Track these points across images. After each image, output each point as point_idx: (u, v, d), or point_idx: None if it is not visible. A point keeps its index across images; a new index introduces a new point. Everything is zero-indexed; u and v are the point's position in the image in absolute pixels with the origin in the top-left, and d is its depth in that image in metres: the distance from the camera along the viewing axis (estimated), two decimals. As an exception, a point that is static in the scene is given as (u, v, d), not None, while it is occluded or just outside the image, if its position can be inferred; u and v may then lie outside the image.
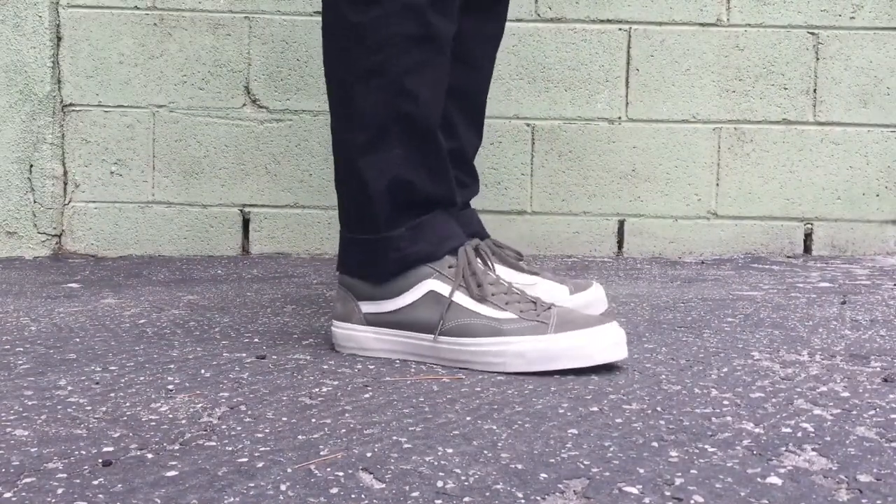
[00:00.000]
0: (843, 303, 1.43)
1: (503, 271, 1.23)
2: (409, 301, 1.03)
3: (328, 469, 0.69)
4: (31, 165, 1.95)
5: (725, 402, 0.87)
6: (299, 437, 0.76)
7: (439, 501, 0.63)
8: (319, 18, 1.97)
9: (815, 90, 1.99)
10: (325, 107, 1.98)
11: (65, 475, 0.67)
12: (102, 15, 1.97)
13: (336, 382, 0.94)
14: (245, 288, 1.58)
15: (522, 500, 0.63)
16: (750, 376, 0.97)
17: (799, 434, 0.77)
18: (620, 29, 1.98)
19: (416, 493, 0.64)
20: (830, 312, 1.35)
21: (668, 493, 0.64)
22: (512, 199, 1.98)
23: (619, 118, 1.99)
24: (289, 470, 0.68)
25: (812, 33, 1.98)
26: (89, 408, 0.85)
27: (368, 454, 0.72)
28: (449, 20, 1.04)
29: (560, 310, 1.00)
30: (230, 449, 0.73)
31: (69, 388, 0.92)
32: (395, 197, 1.04)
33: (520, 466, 0.69)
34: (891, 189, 2.01)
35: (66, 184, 1.99)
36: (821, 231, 2.01)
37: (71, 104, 1.98)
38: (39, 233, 1.96)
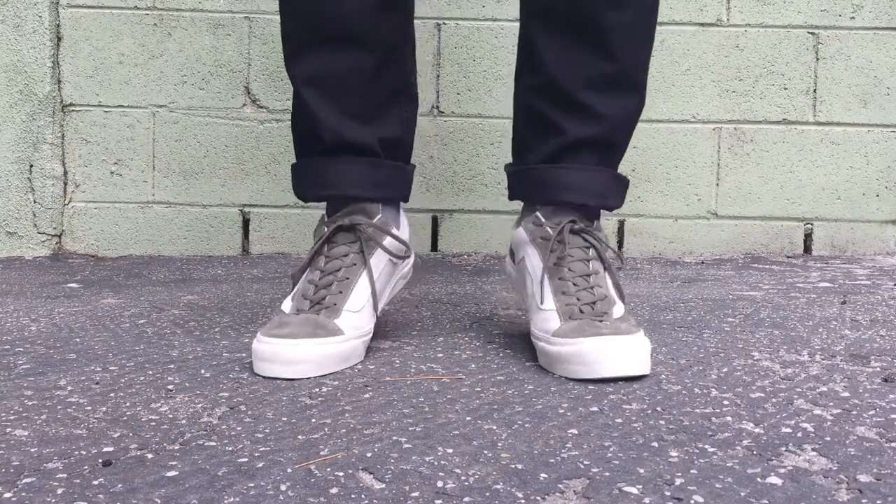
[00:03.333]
0: (843, 303, 1.43)
1: None
2: None
3: (328, 469, 0.69)
4: (31, 165, 1.95)
5: (725, 402, 0.87)
6: (299, 437, 0.76)
7: (439, 501, 0.63)
8: (319, 18, 1.98)
9: (815, 90, 1.99)
10: (325, 107, 1.98)
11: (65, 475, 0.67)
12: (102, 15, 1.97)
13: (336, 382, 0.94)
14: (245, 288, 1.58)
15: (522, 500, 0.63)
16: (750, 376, 0.97)
17: (799, 434, 0.77)
18: (620, 29, 1.98)
19: (416, 493, 0.64)
20: (830, 312, 1.35)
21: (668, 493, 0.64)
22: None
23: (619, 118, 1.99)
24: (289, 470, 0.68)
25: (812, 33, 1.98)
26: (89, 408, 0.85)
27: (368, 454, 0.72)
28: None
29: None
30: (230, 449, 0.73)
31: (69, 388, 0.92)
32: None
33: (520, 466, 0.69)
34: (891, 189, 2.01)
35: (66, 184, 1.99)
36: (821, 231, 2.02)
37: (71, 104, 1.98)
38: (39, 233, 1.96)
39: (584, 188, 1.08)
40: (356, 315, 1.04)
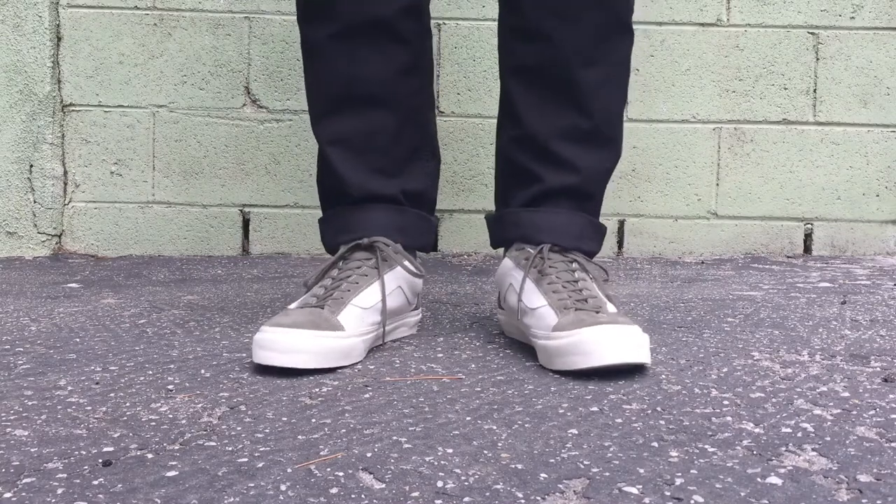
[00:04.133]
0: (843, 303, 1.43)
1: None
2: None
3: (328, 469, 0.69)
4: (31, 165, 1.95)
5: (725, 402, 0.87)
6: (299, 437, 0.76)
7: (439, 501, 0.63)
8: (319, 18, 1.98)
9: (815, 90, 1.99)
10: (325, 107, 1.98)
11: (65, 475, 0.67)
12: (102, 15, 1.97)
13: (336, 382, 0.94)
14: (245, 288, 1.58)
15: (522, 500, 0.63)
16: (750, 376, 0.97)
17: (799, 434, 0.77)
18: (620, 29, 1.98)
19: (416, 493, 0.64)
20: (830, 312, 1.35)
21: (668, 493, 0.64)
22: (512, 199, 1.98)
23: (619, 118, 1.99)
24: (289, 470, 0.68)
25: (812, 33, 1.98)
26: (89, 408, 0.85)
27: (368, 454, 0.72)
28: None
29: None
30: (230, 449, 0.73)
31: (69, 388, 0.92)
32: None
33: (520, 466, 0.69)
34: (891, 189, 2.01)
35: (66, 184, 1.99)
36: (821, 231, 2.01)
37: (71, 104, 1.98)
38: (39, 233, 1.96)
39: (559, 229, 1.11)
40: (362, 312, 1.04)
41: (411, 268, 1.13)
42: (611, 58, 1.13)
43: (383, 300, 1.07)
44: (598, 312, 0.99)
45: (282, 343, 0.95)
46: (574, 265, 1.09)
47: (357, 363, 1.02)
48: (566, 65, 1.10)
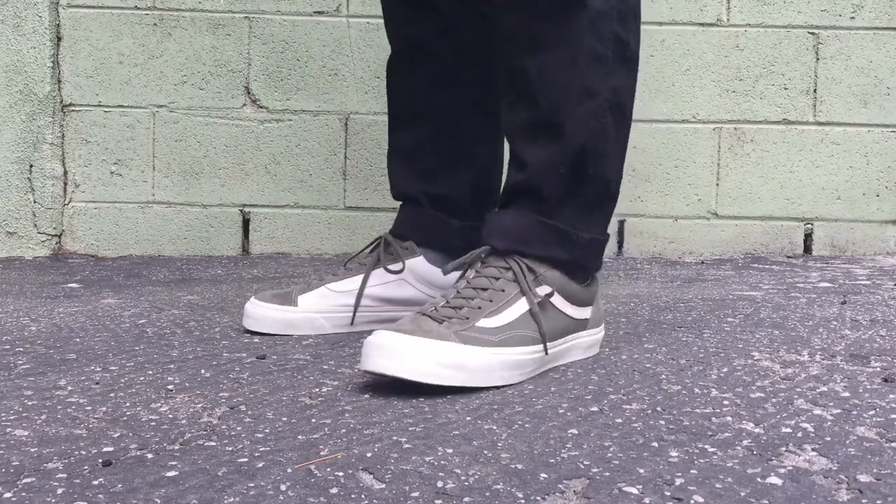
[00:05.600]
0: (843, 303, 1.43)
1: None
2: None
3: (328, 469, 0.69)
4: (31, 165, 1.95)
5: (725, 402, 0.87)
6: (299, 437, 0.76)
7: (439, 501, 0.63)
8: (320, 18, 1.98)
9: (815, 90, 1.99)
10: (324, 106, 1.99)
11: (65, 475, 0.67)
12: (102, 15, 1.97)
13: (336, 382, 0.94)
14: (245, 288, 1.58)
15: (522, 500, 0.63)
16: (750, 376, 0.97)
17: (799, 434, 0.77)
18: (620, 29, 1.98)
19: (416, 493, 0.64)
20: (830, 312, 1.35)
21: (668, 493, 0.64)
22: (512, 199, 1.98)
23: (619, 118, 1.99)
24: (289, 470, 0.68)
25: (812, 33, 1.98)
26: (89, 408, 0.85)
27: (368, 454, 0.72)
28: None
29: None
30: (230, 449, 0.73)
31: (69, 388, 0.92)
32: None
33: (520, 466, 0.69)
34: (891, 189, 2.01)
35: (66, 184, 1.99)
36: (821, 231, 2.01)
37: (71, 104, 1.98)
38: (39, 233, 1.96)
39: (497, 232, 1.02)
40: (329, 293, 1.21)
41: (393, 267, 1.22)
42: (560, 38, 1.02)
43: (360, 287, 1.21)
44: (441, 322, 0.92)
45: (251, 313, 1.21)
46: (509, 274, 0.99)
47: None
48: (511, 52, 1.05)
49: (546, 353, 0.98)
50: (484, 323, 0.94)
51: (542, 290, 1.00)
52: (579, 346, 1.06)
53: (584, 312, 1.06)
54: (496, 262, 1.00)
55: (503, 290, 0.98)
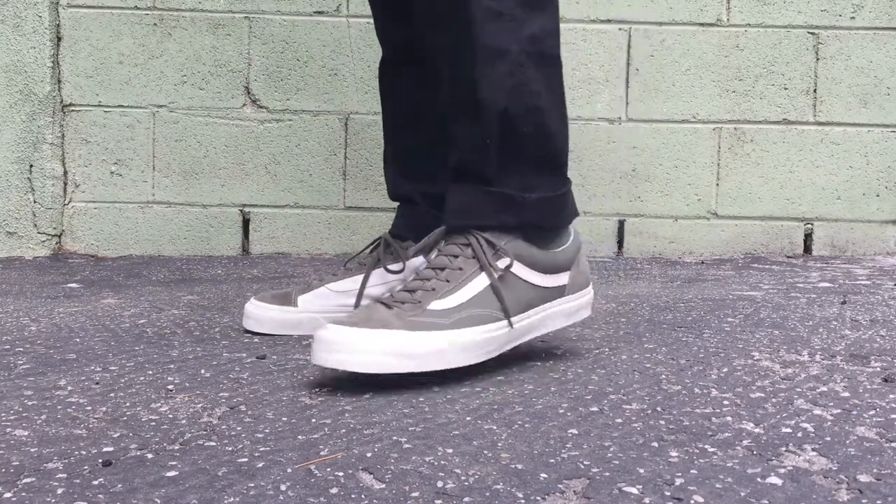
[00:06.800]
0: (843, 303, 1.43)
1: None
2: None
3: (328, 469, 0.69)
4: (31, 165, 1.95)
5: (725, 402, 0.87)
6: (299, 437, 0.76)
7: (439, 501, 0.63)
8: (320, 18, 1.98)
9: (815, 90, 1.99)
10: (325, 106, 1.99)
11: (65, 475, 0.67)
12: (102, 15, 1.97)
13: (336, 382, 0.94)
14: (245, 288, 1.58)
15: (522, 500, 0.63)
16: (750, 376, 0.97)
17: (799, 434, 0.77)
18: (620, 29, 1.98)
19: (416, 493, 0.64)
20: (830, 312, 1.35)
21: (668, 493, 0.64)
22: (512, 199, 1.98)
23: (619, 118, 1.99)
24: (289, 470, 0.68)
25: (812, 33, 1.98)
26: (89, 408, 0.85)
27: (368, 454, 0.72)
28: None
29: None
30: (230, 449, 0.73)
31: (69, 388, 0.92)
32: None
33: (520, 466, 0.69)
34: (891, 189, 2.01)
35: (66, 184, 1.99)
36: (821, 231, 2.01)
37: (71, 104, 1.98)
38: (39, 233, 1.96)
39: (449, 211, 1.01)
40: (329, 294, 1.21)
41: (393, 267, 1.21)
42: (452, 14, 0.99)
43: (361, 287, 1.20)
44: (392, 308, 0.92)
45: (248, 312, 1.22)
46: (468, 251, 0.98)
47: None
48: (421, 35, 1.05)
49: (511, 328, 0.96)
50: (436, 305, 0.93)
51: (503, 263, 0.98)
52: (559, 315, 1.04)
53: (557, 279, 1.03)
54: (457, 239, 1.00)
55: (461, 269, 0.97)
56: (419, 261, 1.10)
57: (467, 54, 0.99)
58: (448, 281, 0.96)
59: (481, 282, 0.96)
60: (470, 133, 1.01)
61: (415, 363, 0.89)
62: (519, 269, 0.99)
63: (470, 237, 0.99)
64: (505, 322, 0.96)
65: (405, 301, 0.94)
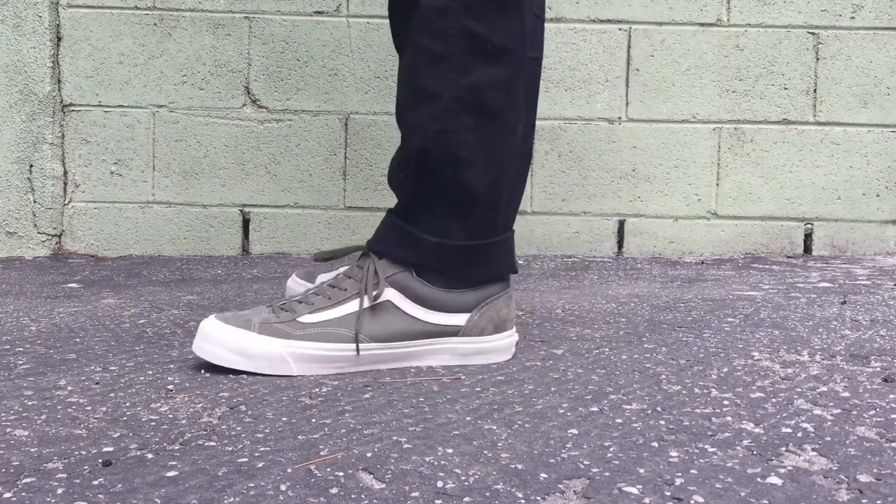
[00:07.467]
0: (843, 303, 1.43)
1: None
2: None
3: (328, 469, 0.69)
4: (31, 165, 1.95)
5: (725, 402, 0.87)
6: (299, 437, 0.76)
7: (439, 501, 0.63)
8: (319, 18, 1.98)
9: (815, 90, 1.99)
10: (324, 107, 1.99)
11: (65, 475, 0.67)
12: (102, 15, 1.97)
13: (336, 382, 0.94)
14: (245, 288, 1.58)
15: (522, 500, 0.63)
16: (750, 376, 0.97)
17: (799, 434, 0.77)
18: (620, 29, 1.98)
19: (416, 493, 0.64)
20: (830, 312, 1.35)
21: (668, 493, 0.64)
22: (512, 199, 1.98)
23: (619, 118, 1.99)
24: (289, 470, 0.68)
25: (812, 33, 1.98)
26: (89, 408, 0.85)
27: (368, 454, 0.72)
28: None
29: None
30: (230, 449, 0.73)
31: (69, 388, 0.92)
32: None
33: (520, 466, 0.69)
34: (891, 189, 2.01)
35: (66, 184, 1.99)
36: (821, 231, 2.01)
37: (71, 104, 1.98)
38: (39, 233, 1.96)
39: (375, 231, 1.07)
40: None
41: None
42: (407, 41, 1.03)
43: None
44: (278, 314, 0.99)
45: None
46: (360, 273, 1.02)
47: None
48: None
49: (357, 354, 0.99)
50: (305, 318, 0.99)
51: (381, 292, 1.01)
52: (446, 352, 1.03)
53: (449, 318, 1.03)
54: (363, 260, 1.04)
55: (345, 289, 1.02)
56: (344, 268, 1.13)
57: (404, 89, 1.05)
58: (329, 298, 1.01)
59: (352, 306, 1.01)
60: (395, 164, 1.08)
61: (252, 363, 0.97)
62: (399, 300, 1.02)
63: (367, 261, 1.03)
64: (353, 345, 0.99)
65: (287, 310, 1.00)
